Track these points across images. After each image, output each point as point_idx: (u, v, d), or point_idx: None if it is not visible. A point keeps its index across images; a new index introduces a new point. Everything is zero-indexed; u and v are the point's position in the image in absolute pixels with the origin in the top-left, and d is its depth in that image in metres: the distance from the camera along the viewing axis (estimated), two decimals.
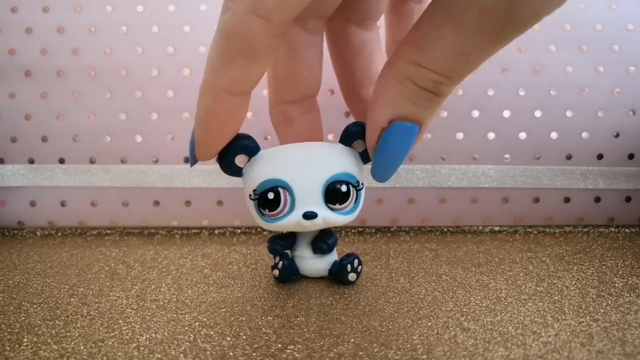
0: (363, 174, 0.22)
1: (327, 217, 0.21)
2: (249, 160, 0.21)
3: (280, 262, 0.24)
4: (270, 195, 0.21)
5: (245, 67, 0.17)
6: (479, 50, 0.16)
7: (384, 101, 0.18)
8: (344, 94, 0.24)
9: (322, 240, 0.23)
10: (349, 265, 0.23)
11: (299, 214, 0.21)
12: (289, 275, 0.24)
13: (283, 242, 0.23)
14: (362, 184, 0.22)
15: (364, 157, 0.22)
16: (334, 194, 0.21)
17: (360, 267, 0.24)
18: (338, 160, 0.21)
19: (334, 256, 0.24)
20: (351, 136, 0.21)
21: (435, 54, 0.17)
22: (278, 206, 0.21)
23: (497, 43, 0.16)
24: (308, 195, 0.21)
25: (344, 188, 0.21)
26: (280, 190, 0.21)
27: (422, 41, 0.17)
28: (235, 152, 0.21)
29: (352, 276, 0.23)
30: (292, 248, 0.24)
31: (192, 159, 0.20)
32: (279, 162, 0.21)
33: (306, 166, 0.21)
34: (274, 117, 0.23)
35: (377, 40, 0.23)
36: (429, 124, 0.19)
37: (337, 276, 0.23)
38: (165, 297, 0.22)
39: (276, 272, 0.24)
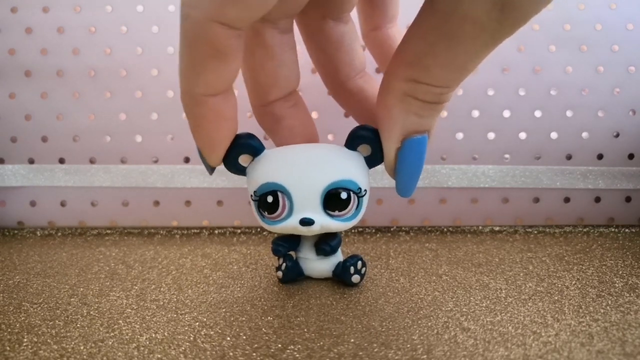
0: (368, 179, 0.22)
1: (325, 223, 0.21)
2: (253, 159, 0.21)
3: (284, 264, 0.24)
4: (269, 199, 0.21)
5: (217, 69, 0.17)
6: (475, 58, 0.16)
7: (391, 123, 0.19)
8: (331, 89, 0.24)
9: (326, 242, 0.23)
10: (352, 267, 0.23)
11: (296, 220, 0.21)
12: (293, 276, 0.24)
13: (287, 244, 0.23)
14: (365, 190, 0.21)
15: (370, 162, 0.21)
16: (333, 200, 0.21)
17: (364, 269, 0.24)
18: (340, 166, 0.21)
19: (338, 257, 0.24)
20: (357, 140, 0.21)
21: (433, 70, 0.17)
22: (277, 210, 0.21)
23: (491, 48, 0.16)
24: (306, 201, 0.21)
25: (343, 195, 0.21)
26: (279, 194, 0.21)
27: (417, 59, 0.17)
28: (239, 151, 0.21)
29: (355, 278, 0.23)
30: (296, 249, 0.24)
31: (207, 168, 0.21)
32: (280, 165, 0.21)
33: (306, 172, 0.20)
34: (260, 119, 0.23)
35: (354, 30, 0.23)
36: (435, 127, 0.19)
37: (341, 278, 0.23)
38: (165, 297, 0.22)
39: (280, 273, 0.24)
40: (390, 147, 0.20)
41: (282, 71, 0.21)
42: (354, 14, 0.24)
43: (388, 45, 0.24)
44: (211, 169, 0.21)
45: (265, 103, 0.22)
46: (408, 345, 0.18)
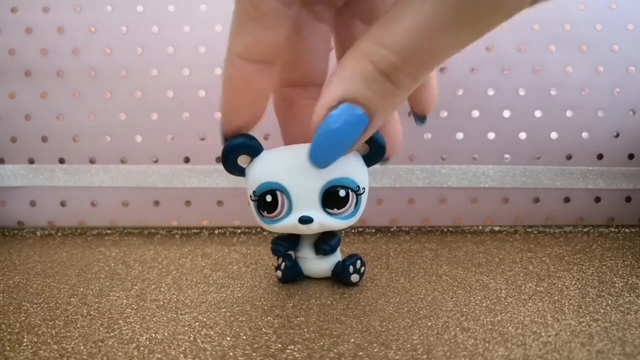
0: (367, 178, 0.22)
1: (324, 221, 0.21)
2: (251, 160, 0.21)
3: (283, 263, 0.24)
4: (268, 198, 0.21)
5: (256, 31, 0.17)
6: (440, 31, 0.15)
7: (338, 79, 0.17)
8: None
9: (325, 242, 0.23)
10: (351, 267, 0.23)
11: (295, 218, 0.21)
12: (292, 276, 0.24)
13: (286, 243, 0.23)
14: (364, 188, 0.21)
15: (368, 161, 0.21)
16: (332, 198, 0.21)
17: (363, 268, 0.24)
18: (338, 165, 0.20)
19: (337, 257, 0.24)
20: None
21: (396, 32, 0.16)
22: (276, 209, 0.21)
23: (460, 25, 0.15)
24: (305, 199, 0.21)
25: (342, 193, 0.21)
26: (278, 193, 0.21)
27: (387, 21, 0.16)
28: (238, 151, 0.21)
29: (354, 277, 0.23)
30: (295, 249, 0.24)
31: (221, 135, 0.21)
32: (278, 165, 0.21)
33: (304, 170, 0.20)
34: (275, 100, 0.23)
35: None
36: (380, 121, 0.18)
37: (340, 277, 0.23)
38: (165, 297, 0.22)
39: (279, 273, 0.24)
40: (326, 100, 0.17)
41: (306, 55, 0.21)
42: None
43: None
44: (224, 138, 0.21)
45: (283, 84, 0.22)
46: (408, 345, 0.18)
